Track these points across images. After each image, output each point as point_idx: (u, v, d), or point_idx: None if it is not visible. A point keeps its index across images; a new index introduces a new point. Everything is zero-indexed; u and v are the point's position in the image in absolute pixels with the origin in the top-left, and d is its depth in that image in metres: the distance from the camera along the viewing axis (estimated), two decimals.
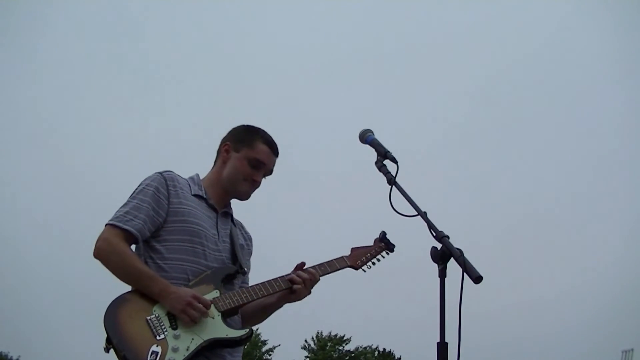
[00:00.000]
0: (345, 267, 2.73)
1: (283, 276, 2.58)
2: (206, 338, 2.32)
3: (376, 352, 38.92)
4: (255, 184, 2.65)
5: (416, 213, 2.16)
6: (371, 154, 2.43)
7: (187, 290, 2.34)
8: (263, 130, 2.70)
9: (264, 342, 37.77)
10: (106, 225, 2.42)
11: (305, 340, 38.50)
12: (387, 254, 2.83)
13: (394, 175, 2.30)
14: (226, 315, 2.43)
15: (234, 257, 2.61)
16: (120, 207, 2.46)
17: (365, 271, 2.77)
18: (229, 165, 2.63)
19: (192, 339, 2.29)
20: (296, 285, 2.55)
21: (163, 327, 2.30)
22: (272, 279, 2.56)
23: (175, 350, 2.24)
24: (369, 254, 2.79)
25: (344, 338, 38.36)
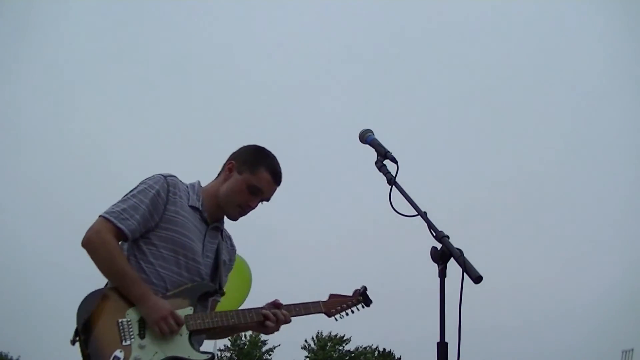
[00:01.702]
0: (319, 313, 2.77)
1: (257, 308, 2.61)
2: (169, 355, 2.34)
3: (376, 352, 38.93)
4: (249, 209, 2.64)
5: (416, 213, 2.16)
6: (371, 154, 2.43)
7: (165, 304, 2.35)
8: (271, 157, 2.67)
9: (264, 342, 37.79)
10: (100, 217, 2.40)
11: (305, 340, 38.53)
12: (363, 307, 2.90)
13: (394, 175, 2.30)
14: (194, 334, 2.44)
15: (215, 274, 2.60)
16: (118, 202, 2.45)
17: (337, 320, 2.84)
18: (228, 184, 2.61)
19: (156, 352, 2.31)
20: (269, 322, 2.59)
21: (131, 333, 2.30)
22: (247, 309, 2.60)
23: None
24: (344, 304, 2.84)
25: (344, 338, 38.39)
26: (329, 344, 37.99)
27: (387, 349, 38.88)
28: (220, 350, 36.49)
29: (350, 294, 2.87)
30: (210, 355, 2.43)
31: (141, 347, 2.29)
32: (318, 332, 38.53)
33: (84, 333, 2.23)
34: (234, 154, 2.69)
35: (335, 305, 2.82)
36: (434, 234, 2.07)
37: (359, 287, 2.89)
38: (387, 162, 2.37)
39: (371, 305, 2.91)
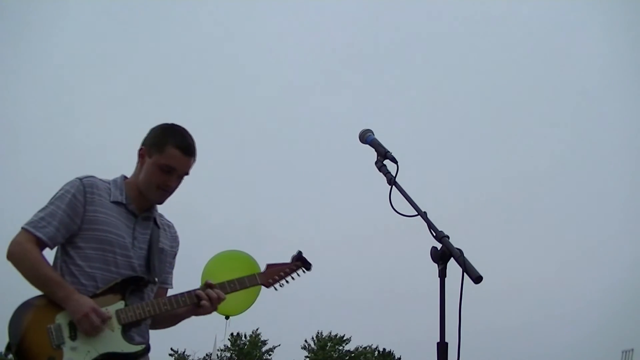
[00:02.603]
0: (255, 285, 2.75)
1: (190, 292, 2.62)
2: (102, 352, 2.37)
3: (376, 352, 38.97)
4: (170, 189, 2.63)
5: (416, 213, 2.16)
6: (371, 154, 2.43)
7: (88, 301, 2.37)
8: (177, 131, 2.64)
9: (264, 342, 37.85)
10: (21, 228, 2.46)
11: (305, 340, 38.61)
12: (304, 271, 2.86)
13: (394, 175, 2.30)
14: (128, 327, 2.46)
15: (149, 264, 2.61)
16: (38, 211, 2.49)
17: (276, 289, 2.81)
18: (143, 171, 2.61)
19: (88, 351, 2.35)
20: (203, 301, 2.61)
21: (62, 337, 2.34)
22: (179, 294, 2.62)
23: None
24: (282, 273, 2.81)
25: (344, 338, 38.44)
26: (329, 344, 38.04)
27: (387, 349, 38.93)
28: (220, 350, 36.54)
29: (289, 261, 2.84)
30: (143, 347, 2.48)
31: (73, 349, 2.33)
32: (318, 332, 38.62)
33: (16, 345, 2.28)
34: (143, 139, 2.67)
35: (273, 274, 2.79)
36: (434, 234, 2.07)
37: (294, 253, 2.86)
38: (387, 162, 2.37)
39: (311, 268, 2.85)
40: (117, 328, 2.43)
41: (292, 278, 2.84)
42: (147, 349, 2.50)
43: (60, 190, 2.54)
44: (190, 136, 2.65)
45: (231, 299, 2.75)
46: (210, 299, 2.61)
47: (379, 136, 2.48)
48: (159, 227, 2.71)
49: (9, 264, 2.43)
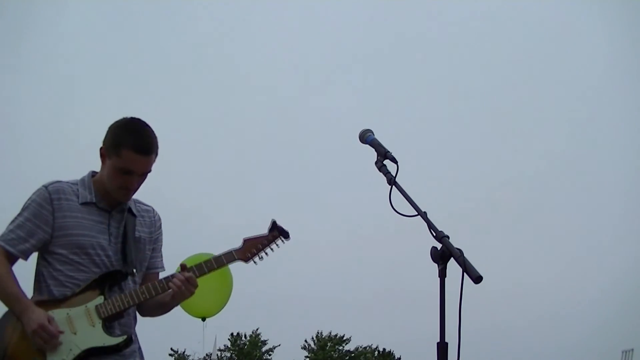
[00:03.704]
0: (233, 261, 2.69)
1: (167, 277, 2.62)
2: (84, 348, 2.42)
3: (376, 352, 39.00)
4: (132, 188, 2.58)
5: (416, 213, 2.17)
6: (371, 154, 2.44)
7: (39, 316, 2.38)
8: (132, 130, 2.54)
9: (264, 342, 37.90)
10: None
11: (305, 340, 38.65)
12: (282, 241, 2.75)
13: (394, 175, 2.30)
14: (109, 320, 2.50)
15: (125, 256, 2.60)
16: (9, 224, 2.52)
17: (256, 263, 2.72)
18: (105, 172, 2.58)
19: (70, 349, 2.40)
20: (175, 279, 2.58)
21: None
22: (158, 281, 2.62)
23: None
24: (260, 245, 2.70)
25: (344, 338, 38.48)
26: (329, 344, 38.09)
27: (387, 349, 38.95)
28: (220, 350, 36.57)
29: (266, 233, 2.74)
30: (125, 338, 2.50)
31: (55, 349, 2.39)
32: (318, 332, 38.65)
33: (2, 353, 2.36)
34: (104, 137, 2.61)
35: (251, 248, 2.69)
36: (434, 234, 2.07)
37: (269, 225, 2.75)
38: (387, 162, 2.37)
39: (289, 236, 2.74)
40: (98, 323, 2.46)
41: (272, 249, 2.73)
42: (130, 339, 2.52)
43: (27, 200, 2.55)
44: (147, 133, 2.56)
45: (204, 300, 2.73)
46: (181, 282, 2.57)
47: (378, 136, 2.48)
48: (135, 216, 2.69)
49: None
